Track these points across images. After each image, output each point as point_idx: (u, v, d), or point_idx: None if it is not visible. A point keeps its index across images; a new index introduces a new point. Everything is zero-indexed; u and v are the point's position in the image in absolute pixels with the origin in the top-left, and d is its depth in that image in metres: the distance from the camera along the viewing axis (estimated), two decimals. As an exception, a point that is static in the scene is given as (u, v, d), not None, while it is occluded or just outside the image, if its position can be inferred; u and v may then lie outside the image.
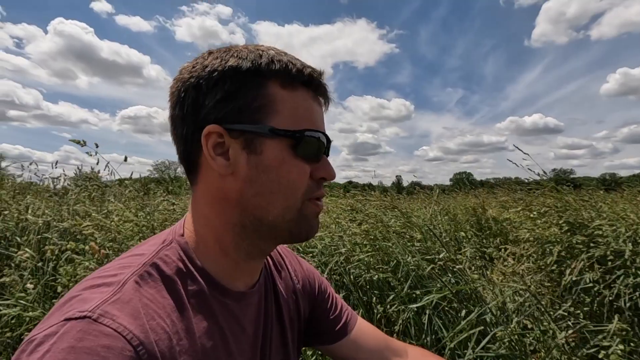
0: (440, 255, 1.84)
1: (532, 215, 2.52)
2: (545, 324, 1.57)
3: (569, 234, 2.24)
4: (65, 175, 4.01)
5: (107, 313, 0.42)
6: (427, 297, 1.60)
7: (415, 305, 1.64)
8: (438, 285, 1.76)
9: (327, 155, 0.60)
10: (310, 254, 2.18)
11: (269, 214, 0.55)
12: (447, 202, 5.42)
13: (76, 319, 0.40)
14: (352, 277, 1.96)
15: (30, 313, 1.61)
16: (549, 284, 2.04)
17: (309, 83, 0.57)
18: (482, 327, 1.48)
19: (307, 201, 0.57)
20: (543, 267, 2.09)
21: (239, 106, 0.53)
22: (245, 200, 0.54)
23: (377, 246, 2.08)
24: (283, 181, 0.54)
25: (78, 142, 2.01)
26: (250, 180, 0.54)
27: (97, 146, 2.11)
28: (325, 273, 1.96)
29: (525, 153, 2.58)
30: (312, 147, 0.56)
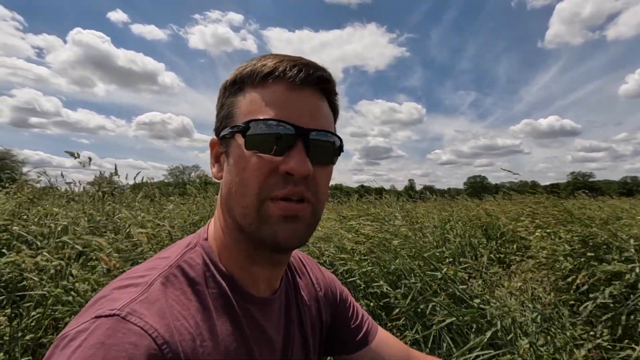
0: (443, 271, 1.79)
1: (538, 234, 2.46)
2: (561, 340, 1.52)
3: (579, 246, 2.16)
4: (84, 184, 4.13)
5: (135, 312, 0.44)
6: (428, 330, 1.56)
7: (417, 336, 1.60)
8: (442, 299, 1.72)
9: (308, 147, 0.52)
10: (321, 263, 2.17)
11: (236, 216, 0.54)
12: (457, 210, 5.33)
13: (106, 316, 0.43)
14: (355, 288, 1.93)
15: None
16: (565, 296, 1.97)
17: (279, 75, 0.53)
18: (492, 351, 1.44)
19: (268, 201, 0.51)
20: (558, 278, 2.03)
21: (223, 115, 0.58)
22: (226, 202, 0.57)
23: (379, 262, 2.04)
24: (238, 179, 0.53)
25: (72, 154, 2.11)
26: (226, 181, 0.56)
27: (90, 160, 2.18)
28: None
29: (515, 173, 2.81)
30: (264, 137, 0.51)
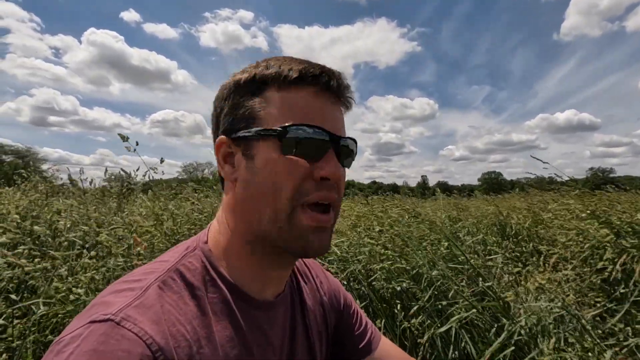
0: (469, 262, 1.72)
1: (583, 215, 2.30)
2: (589, 341, 1.43)
3: (616, 237, 2.05)
4: (103, 178, 4.15)
5: (130, 317, 0.43)
6: (449, 322, 1.50)
7: (437, 331, 1.54)
8: (464, 294, 1.64)
9: (339, 153, 0.55)
10: (329, 261, 2.12)
11: (261, 219, 0.53)
12: (468, 206, 5.18)
13: (100, 321, 0.42)
14: (371, 286, 1.87)
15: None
16: (593, 294, 1.86)
17: (308, 81, 0.54)
18: (513, 348, 1.36)
19: (298, 208, 0.52)
20: (588, 273, 1.91)
21: (239, 115, 0.56)
22: (244, 204, 0.55)
23: (398, 254, 1.98)
24: (269, 182, 0.52)
25: (122, 137, 2.15)
26: (247, 184, 0.55)
27: (137, 144, 2.23)
28: (345, 281, 1.89)
29: (544, 162, 2.53)
30: (302, 142, 0.52)
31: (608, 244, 1.92)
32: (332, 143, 0.54)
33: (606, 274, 1.77)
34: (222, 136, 0.57)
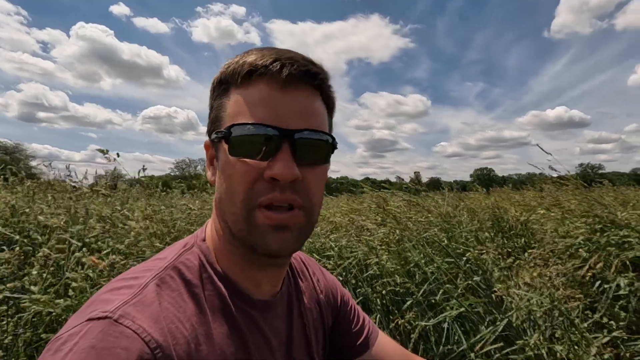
0: (466, 256, 1.75)
1: (553, 215, 2.36)
2: (576, 334, 1.47)
3: (598, 234, 2.09)
4: (89, 175, 4.10)
5: (128, 314, 0.43)
6: (441, 315, 1.52)
7: (427, 323, 1.56)
8: (457, 291, 1.67)
9: (295, 150, 0.49)
10: (326, 257, 2.13)
11: (228, 221, 0.53)
12: (467, 201, 5.23)
13: (98, 319, 0.42)
14: (367, 281, 1.89)
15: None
16: (580, 289, 1.91)
17: (260, 73, 0.50)
18: (503, 344, 1.39)
19: (255, 209, 0.49)
20: (571, 271, 1.96)
21: (212, 118, 0.56)
22: (219, 206, 0.55)
23: (396, 249, 2.00)
24: (225, 186, 0.52)
25: (102, 151, 2.16)
26: (216, 187, 0.56)
27: (118, 155, 2.20)
28: (340, 276, 1.91)
29: (547, 153, 2.48)
30: (247, 142, 0.49)
31: (583, 243, 1.98)
32: (285, 138, 0.49)
33: (589, 273, 1.82)
34: (207, 139, 0.59)
